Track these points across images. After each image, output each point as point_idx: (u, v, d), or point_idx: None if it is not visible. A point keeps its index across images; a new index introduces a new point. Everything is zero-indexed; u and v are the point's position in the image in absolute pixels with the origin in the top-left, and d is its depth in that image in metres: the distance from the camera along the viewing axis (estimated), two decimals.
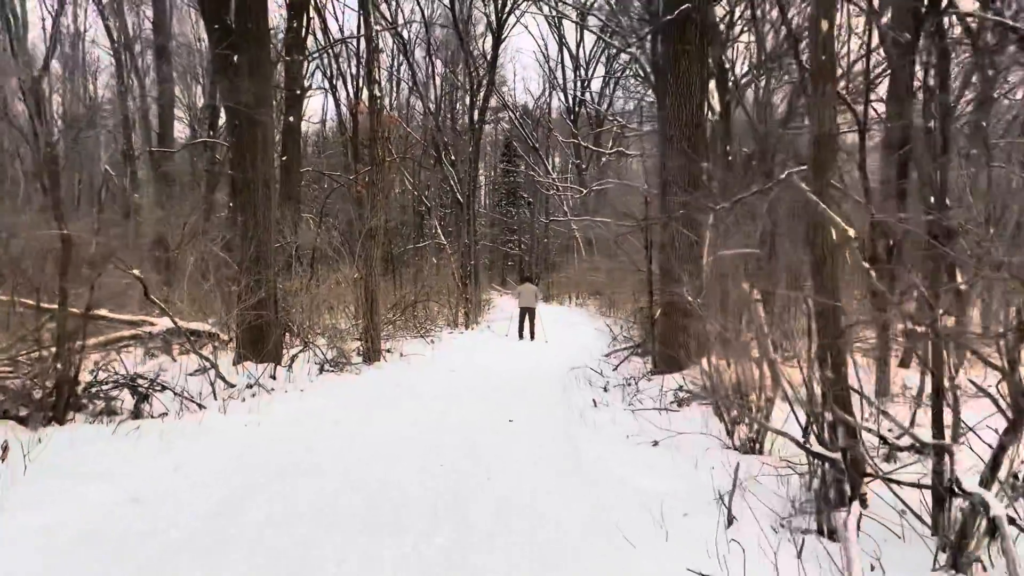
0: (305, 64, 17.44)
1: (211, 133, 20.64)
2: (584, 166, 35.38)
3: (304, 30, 17.35)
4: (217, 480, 5.10)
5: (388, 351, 14.28)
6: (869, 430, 3.98)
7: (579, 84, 36.26)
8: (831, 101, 4.28)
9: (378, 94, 12.86)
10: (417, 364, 13.27)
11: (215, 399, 8.56)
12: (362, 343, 12.97)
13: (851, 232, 3.89)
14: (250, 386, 9.22)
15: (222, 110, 14.83)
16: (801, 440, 4.36)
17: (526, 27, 52.91)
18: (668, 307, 9.24)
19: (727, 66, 11.25)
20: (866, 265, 3.82)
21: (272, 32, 15.92)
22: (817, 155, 4.27)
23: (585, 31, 34.61)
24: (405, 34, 30.02)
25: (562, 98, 37.32)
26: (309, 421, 7.57)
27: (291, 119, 16.60)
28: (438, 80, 32.03)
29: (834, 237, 4.26)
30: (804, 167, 8.93)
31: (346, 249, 14.61)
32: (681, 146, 8.97)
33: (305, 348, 11.23)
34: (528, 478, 5.20)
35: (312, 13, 19.77)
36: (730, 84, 10.93)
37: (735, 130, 10.48)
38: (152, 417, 7.51)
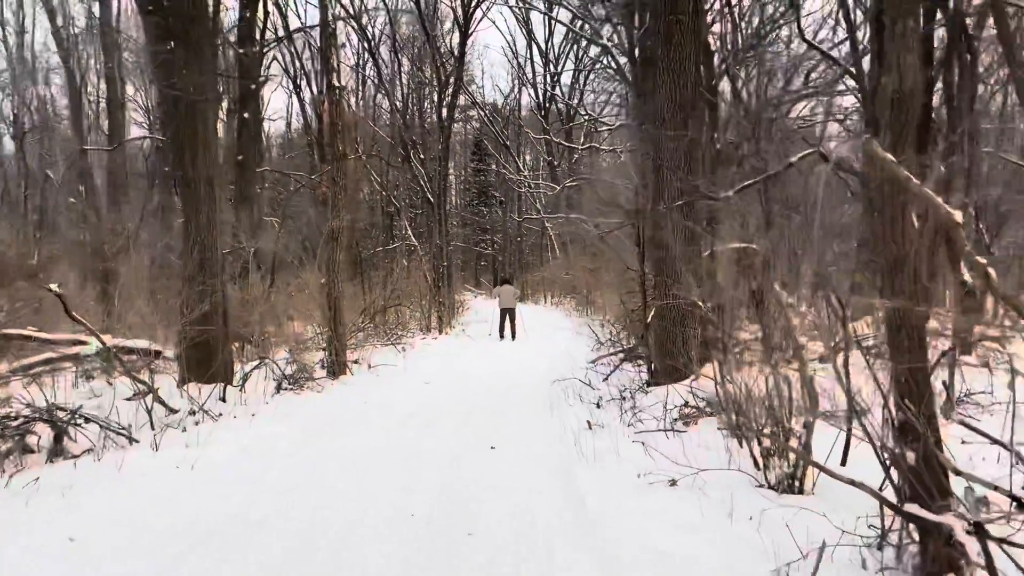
0: (262, 58, 16.12)
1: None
2: (556, 163, 34.33)
3: (263, 19, 16.10)
4: (120, 556, 3.92)
5: (355, 362, 13.09)
6: (989, 485, 2.91)
7: (549, 79, 35.23)
8: (912, 41, 3.20)
9: (337, 84, 11.66)
10: (387, 376, 12.09)
11: (152, 429, 7.36)
12: (326, 355, 11.76)
13: (957, 216, 2.83)
14: (193, 412, 8.00)
15: None
16: (878, 490, 3.29)
17: (493, 22, 51.76)
18: (665, 309, 8.18)
19: (716, 43, 10.23)
20: (982, 261, 2.74)
21: (226, 23, 14.66)
22: (895, 119, 3.20)
23: (555, 24, 33.57)
24: (370, 31, 28.79)
25: (532, 94, 36.27)
26: (257, 457, 6.39)
27: (246, 115, 15.30)
28: (405, 78, 30.80)
29: (915, 224, 3.20)
30: (811, 150, 7.92)
31: (309, 254, 13.38)
32: (676, 127, 7.91)
33: (260, 364, 10.00)
34: (519, 536, 4.09)
35: (271, 7, 18.53)
36: (720, 60, 9.90)
37: (727, 111, 9.47)
38: (74, 456, 6.32)
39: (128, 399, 8.39)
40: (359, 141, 22.74)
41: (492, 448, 6.42)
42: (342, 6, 25.68)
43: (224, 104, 16.38)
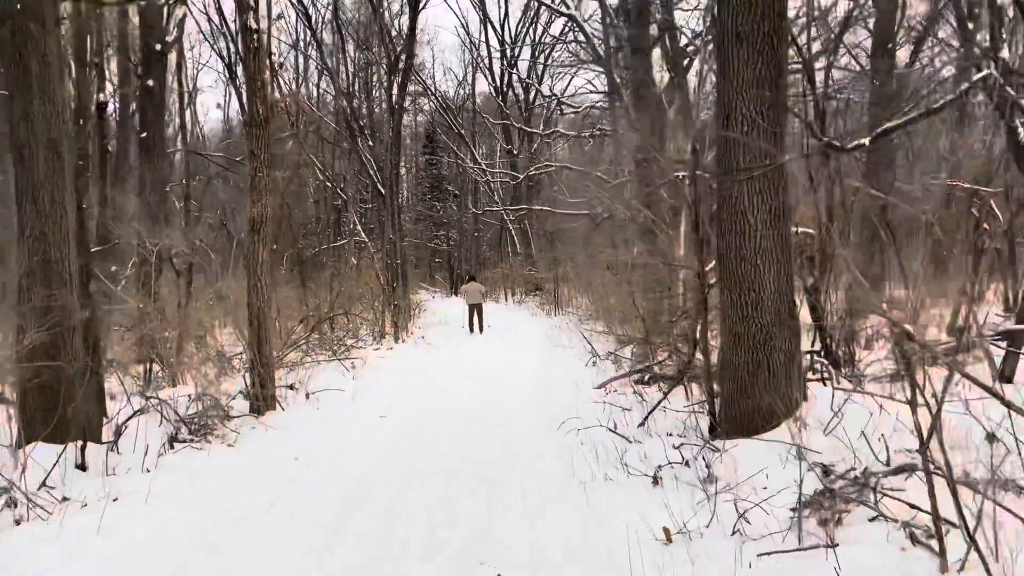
0: (167, 12, 12.81)
1: None
2: (516, 151, 31.42)
3: None
4: None
5: (291, 387, 10.01)
6: None
7: (506, 62, 32.22)
8: None
9: (255, 25, 8.58)
10: (330, 408, 9.07)
11: None
12: (247, 384, 8.71)
13: None
14: (13, 501, 4.94)
15: None
16: None
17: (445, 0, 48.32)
18: (740, 323, 5.37)
19: None
20: None
21: None
22: None
23: (509, 6, 30.66)
24: (312, 14, 25.37)
25: (488, 77, 33.18)
26: None
27: (150, 82, 12.04)
28: (350, 63, 27.41)
29: None
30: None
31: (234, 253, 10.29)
32: (759, 49, 5.10)
33: (145, 407, 6.90)
34: None
35: None
36: None
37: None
38: None
39: None
40: (296, 120, 19.49)
41: None
42: None
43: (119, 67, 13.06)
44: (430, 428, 7.71)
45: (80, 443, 5.98)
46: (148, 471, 6.03)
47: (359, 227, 23.79)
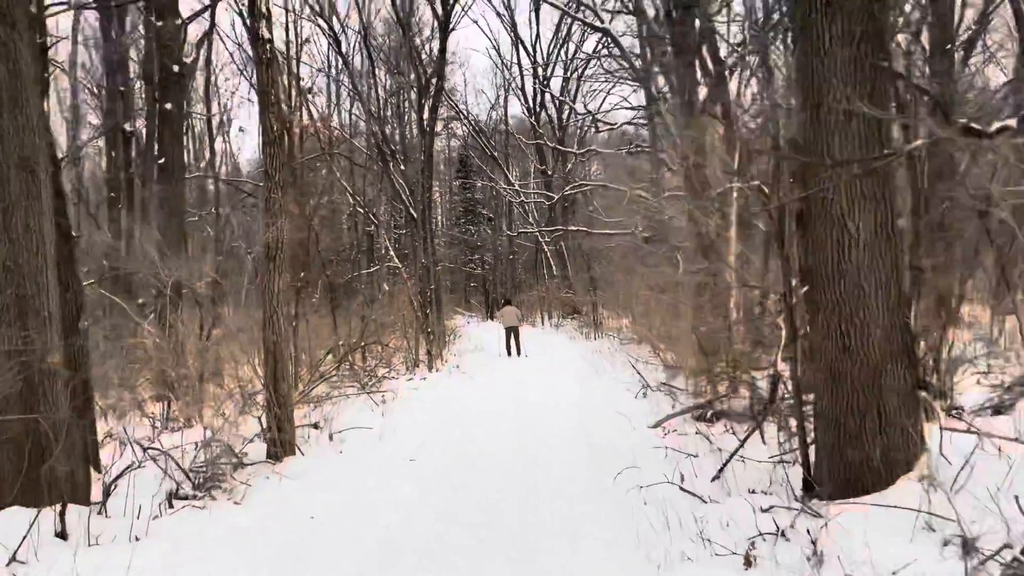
0: (182, 32, 12.20)
1: None
2: (551, 171, 30.53)
3: None
4: None
5: (315, 426, 9.15)
6: None
7: (538, 83, 31.45)
8: None
9: (267, 35, 7.81)
10: (355, 451, 8.15)
11: None
12: (263, 428, 7.83)
13: None
14: None
15: None
16: None
17: (475, 22, 48.06)
18: (841, 358, 4.32)
19: None
20: None
21: None
22: None
23: (541, 27, 29.97)
24: (342, 39, 24.85)
25: (520, 98, 32.38)
26: None
27: (168, 105, 11.40)
28: (381, 88, 26.79)
29: None
30: None
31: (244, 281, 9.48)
32: (856, 17, 4.09)
33: (138, 462, 6.03)
34: None
35: None
36: None
37: None
38: None
39: None
40: (327, 146, 18.88)
41: None
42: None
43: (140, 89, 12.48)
44: (462, 478, 6.72)
45: (59, 506, 5.12)
46: (137, 539, 5.13)
47: (391, 252, 23.08)
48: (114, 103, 15.90)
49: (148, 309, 12.04)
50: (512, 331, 19.43)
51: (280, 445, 7.60)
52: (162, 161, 11.57)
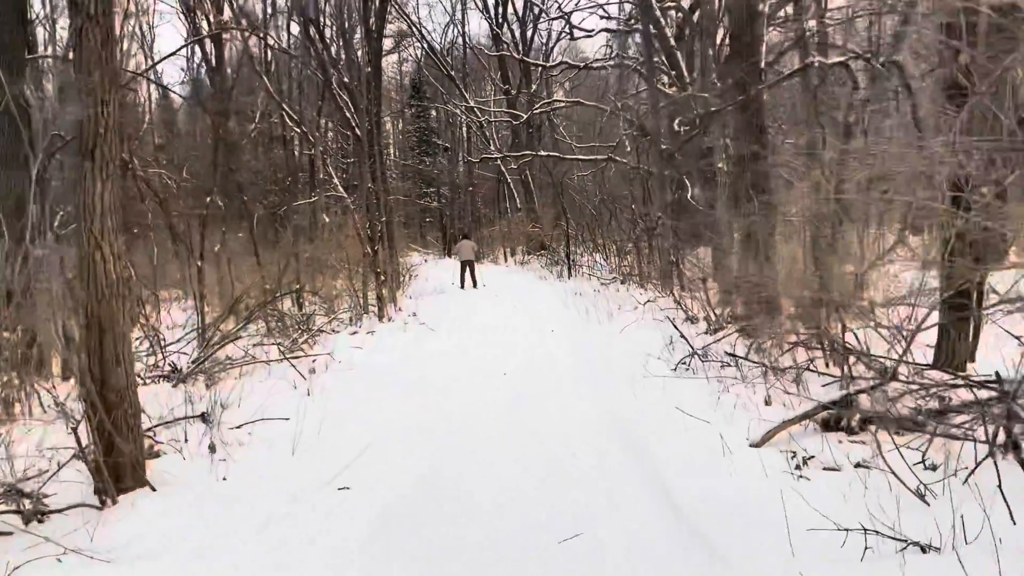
0: None
1: None
2: (514, 91, 26.76)
3: None
4: None
5: (203, 418, 5.84)
6: None
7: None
8: None
9: None
10: (250, 475, 4.89)
11: None
12: (80, 447, 4.50)
13: None
14: None
15: None
16: None
17: None
18: None
19: None
20: None
21: None
22: None
23: None
24: None
25: (480, 5, 28.09)
26: None
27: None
28: None
29: None
30: None
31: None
32: None
33: None
34: None
35: None
36: None
37: None
38: None
39: None
40: (246, 38, 15.03)
41: None
42: None
43: None
44: (425, 527, 3.55)
45: None
46: None
47: (335, 179, 19.35)
48: None
49: None
50: (468, 264, 19.45)
51: (110, 476, 4.29)
52: None
